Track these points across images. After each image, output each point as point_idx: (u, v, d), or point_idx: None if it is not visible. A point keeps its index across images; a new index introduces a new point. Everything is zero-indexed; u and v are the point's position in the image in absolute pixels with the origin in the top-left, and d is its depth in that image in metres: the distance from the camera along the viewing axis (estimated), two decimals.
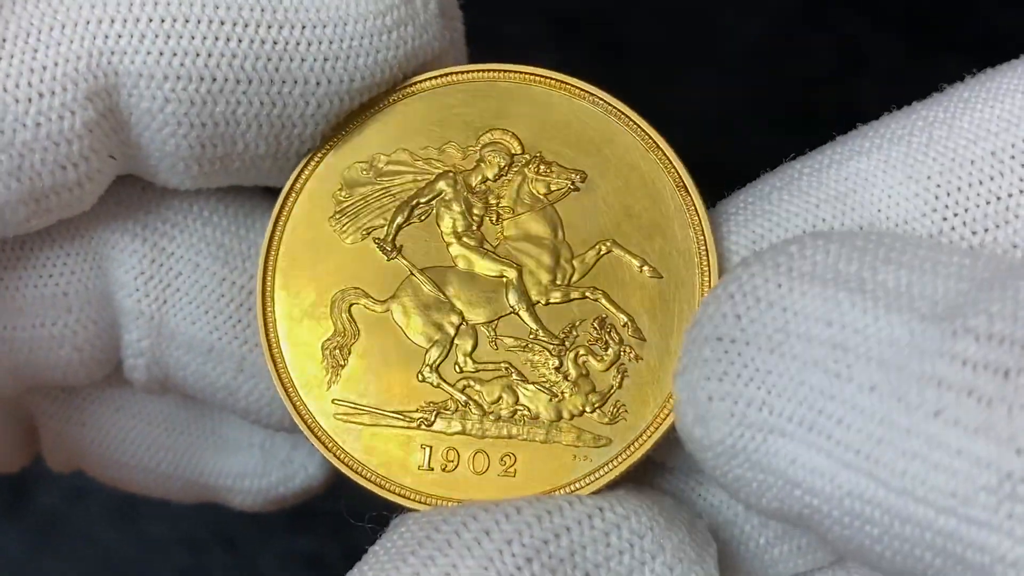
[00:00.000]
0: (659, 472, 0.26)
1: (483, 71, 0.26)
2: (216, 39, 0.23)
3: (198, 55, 0.23)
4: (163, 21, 0.23)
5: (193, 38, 0.23)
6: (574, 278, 0.25)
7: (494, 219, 0.25)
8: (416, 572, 0.21)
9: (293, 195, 0.26)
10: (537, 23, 0.56)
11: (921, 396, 0.19)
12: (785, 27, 0.56)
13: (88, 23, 0.23)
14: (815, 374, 0.20)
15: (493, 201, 0.25)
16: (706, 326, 0.22)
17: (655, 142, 0.25)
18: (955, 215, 0.24)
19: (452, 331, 0.25)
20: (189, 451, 0.32)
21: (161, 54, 0.23)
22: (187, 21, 0.23)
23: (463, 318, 0.25)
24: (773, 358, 0.21)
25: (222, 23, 0.23)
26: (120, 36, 0.23)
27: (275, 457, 0.32)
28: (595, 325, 0.24)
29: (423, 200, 0.25)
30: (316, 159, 0.26)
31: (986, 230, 0.23)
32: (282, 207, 0.26)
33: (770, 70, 0.56)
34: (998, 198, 0.23)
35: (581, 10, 0.56)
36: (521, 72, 0.26)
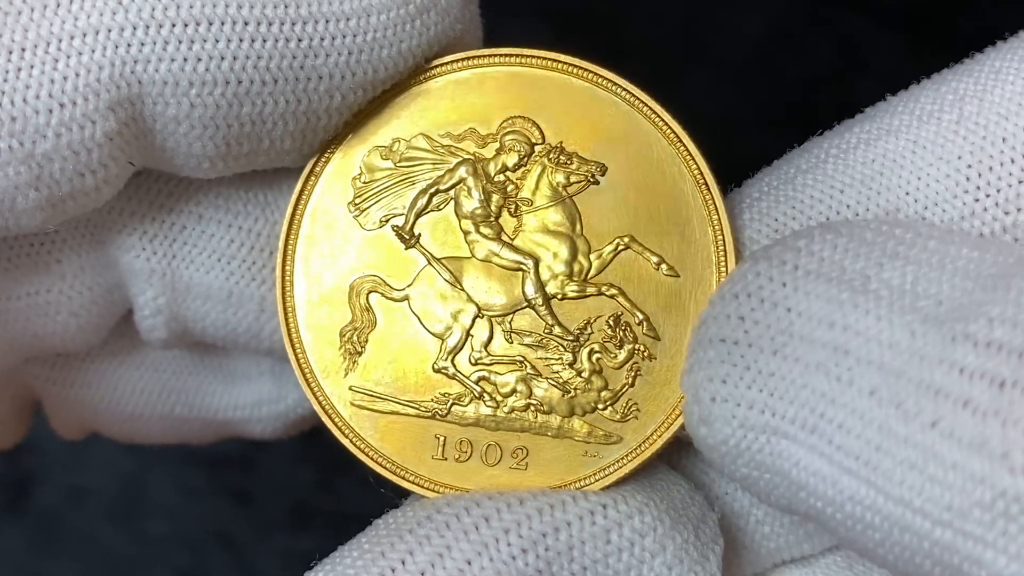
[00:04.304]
0: (683, 453, 0.26)
1: (505, 56, 0.25)
2: (241, 41, 0.23)
3: (223, 59, 0.23)
4: (186, 26, 0.22)
5: (217, 41, 0.23)
6: (591, 273, 0.25)
7: (513, 209, 0.25)
8: (410, 550, 0.21)
9: (312, 179, 0.26)
10: (537, 22, 0.56)
11: (919, 405, 0.19)
12: (785, 27, 0.56)
13: (110, 31, 0.22)
14: (817, 377, 0.20)
15: (512, 191, 0.25)
16: (711, 327, 0.22)
17: (677, 135, 0.25)
18: (987, 196, 0.23)
19: (468, 322, 0.25)
20: (200, 390, 0.32)
21: (185, 60, 0.23)
22: (211, 24, 0.22)
23: (479, 309, 0.25)
24: (776, 361, 0.21)
25: (246, 23, 0.23)
26: (143, 44, 0.22)
27: (288, 380, 0.32)
28: (610, 322, 0.24)
29: (442, 188, 0.25)
30: (335, 144, 0.26)
31: (1019, 210, 0.23)
32: (301, 191, 0.26)
33: (770, 70, 0.56)
34: None
35: (581, 9, 0.56)
36: (544, 58, 0.25)
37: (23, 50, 0.22)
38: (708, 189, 0.24)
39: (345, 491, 0.53)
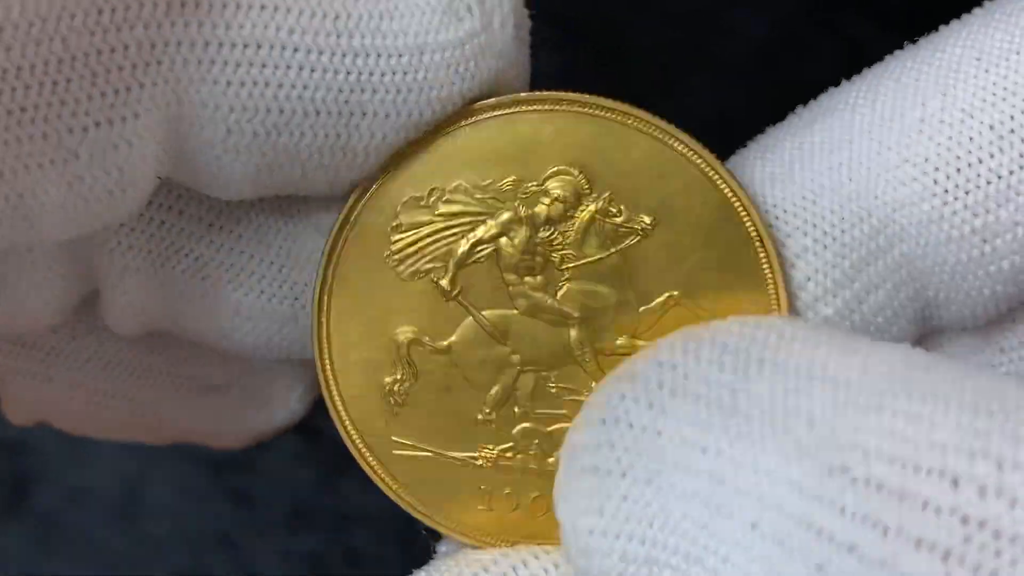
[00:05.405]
0: None
1: (552, 99, 0.24)
2: (288, 68, 0.22)
3: (267, 85, 0.22)
4: (234, 47, 0.21)
5: (264, 67, 0.22)
6: (639, 329, 0.24)
7: (558, 262, 0.24)
8: None
9: (348, 227, 0.25)
10: (539, 25, 0.56)
11: (803, 545, 0.18)
12: (790, 30, 0.56)
13: (154, 47, 0.21)
14: (696, 507, 0.19)
15: (557, 243, 0.24)
16: (581, 455, 0.21)
17: (732, 190, 0.24)
18: (955, 199, 0.23)
19: (513, 375, 0.24)
20: (156, 404, 0.32)
21: (228, 84, 0.22)
22: (259, 47, 0.21)
23: (523, 363, 0.24)
24: (651, 491, 0.20)
25: (295, 50, 0.22)
26: (187, 62, 0.21)
27: (253, 395, 0.32)
28: None
29: (484, 239, 0.24)
30: (370, 189, 0.25)
31: (987, 211, 0.23)
32: (335, 241, 0.25)
33: (774, 73, 0.56)
34: (999, 176, 0.23)
35: (584, 12, 0.56)
36: (591, 104, 0.24)
37: None
38: (763, 245, 0.24)
39: (345, 491, 0.52)
